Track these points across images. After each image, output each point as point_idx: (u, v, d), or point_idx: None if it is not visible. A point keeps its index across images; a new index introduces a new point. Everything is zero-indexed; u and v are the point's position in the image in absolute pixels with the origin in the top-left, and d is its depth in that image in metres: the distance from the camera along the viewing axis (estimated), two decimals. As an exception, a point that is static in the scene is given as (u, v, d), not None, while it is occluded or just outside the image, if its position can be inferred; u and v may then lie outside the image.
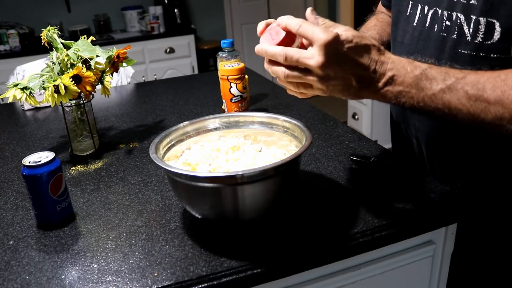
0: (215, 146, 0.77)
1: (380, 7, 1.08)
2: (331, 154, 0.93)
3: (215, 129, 0.82)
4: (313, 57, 0.56)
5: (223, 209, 0.66)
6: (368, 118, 3.06)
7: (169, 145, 0.77)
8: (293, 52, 0.58)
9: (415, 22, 0.80)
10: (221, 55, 1.21)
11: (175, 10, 3.60)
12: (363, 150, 0.94)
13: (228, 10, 4.11)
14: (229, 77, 1.11)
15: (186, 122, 0.80)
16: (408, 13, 0.82)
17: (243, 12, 4.16)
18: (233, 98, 1.13)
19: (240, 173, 0.62)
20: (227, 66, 1.12)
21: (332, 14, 4.30)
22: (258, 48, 0.62)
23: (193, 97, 1.41)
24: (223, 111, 1.18)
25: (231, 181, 0.63)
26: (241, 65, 1.12)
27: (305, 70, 0.58)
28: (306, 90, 0.62)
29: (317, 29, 0.56)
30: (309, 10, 0.65)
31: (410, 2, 0.81)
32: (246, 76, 1.14)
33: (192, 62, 3.61)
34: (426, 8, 0.77)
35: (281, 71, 0.60)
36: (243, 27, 4.19)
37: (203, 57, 3.79)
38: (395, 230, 0.70)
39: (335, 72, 0.57)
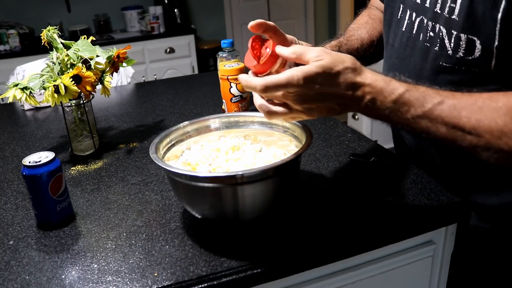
0: (215, 146, 0.77)
1: (374, 0, 1.05)
2: (331, 154, 0.93)
3: (215, 129, 0.82)
4: (290, 100, 0.60)
5: (223, 209, 0.66)
6: (368, 118, 3.06)
7: (169, 145, 0.77)
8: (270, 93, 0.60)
9: (404, 27, 0.80)
10: (221, 55, 1.21)
11: (175, 10, 3.60)
12: (363, 150, 0.94)
13: (228, 10, 4.11)
14: (229, 77, 1.11)
15: (186, 122, 0.80)
16: (399, 17, 0.81)
17: (243, 12, 4.16)
18: (233, 98, 1.13)
19: (240, 173, 0.62)
20: (227, 66, 1.12)
21: (332, 14, 4.30)
22: (242, 79, 0.62)
23: (193, 97, 1.41)
24: (223, 111, 1.18)
25: (231, 181, 0.63)
26: (241, 65, 1.12)
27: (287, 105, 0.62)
28: (295, 118, 0.65)
29: (283, 76, 0.57)
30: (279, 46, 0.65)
31: (401, 6, 0.80)
32: (246, 76, 1.14)
33: (192, 62, 3.61)
34: (414, 15, 0.76)
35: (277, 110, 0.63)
36: (243, 27, 4.19)
37: (203, 57, 3.79)
38: (395, 230, 0.70)
39: (316, 106, 0.60)
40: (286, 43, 0.66)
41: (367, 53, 0.95)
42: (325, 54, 0.59)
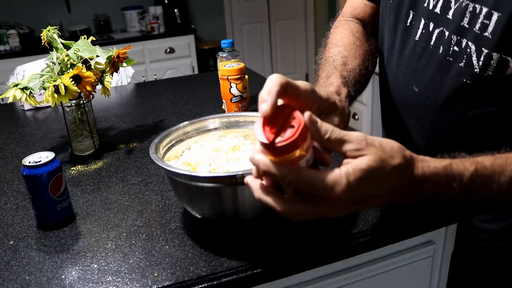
0: (215, 146, 0.77)
1: (351, 8, 0.91)
2: (331, 154, 0.93)
3: (215, 129, 0.82)
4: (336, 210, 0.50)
5: (223, 209, 0.66)
6: (368, 118, 3.06)
7: (169, 145, 0.77)
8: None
9: (417, 36, 0.74)
10: (221, 55, 1.21)
11: (175, 10, 3.61)
12: (363, 150, 0.94)
13: (228, 10, 4.11)
14: (229, 77, 1.11)
15: (186, 122, 0.80)
16: (408, 24, 0.76)
17: (243, 12, 4.16)
18: (233, 98, 1.13)
19: (240, 173, 0.62)
20: (227, 66, 1.12)
21: (332, 14, 4.30)
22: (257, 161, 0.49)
23: (193, 97, 1.41)
24: (223, 111, 1.18)
25: (231, 181, 0.63)
26: (241, 65, 1.12)
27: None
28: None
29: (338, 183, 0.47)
30: (307, 116, 0.48)
31: (411, 12, 0.75)
32: (246, 76, 1.14)
33: (192, 62, 3.61)
34: (432, 25, 0.71)
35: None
36: (243, 27, 4.19)
37: (203, 57, 3.80)
38: (395, 230, 0.70)
39: (364, 206, 0.52)
40: (301, 98, 0.51)
41: (362, 82, 0.80)
42: (367, 147, 0.49)
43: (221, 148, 0.76)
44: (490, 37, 0.62)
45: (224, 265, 0.62)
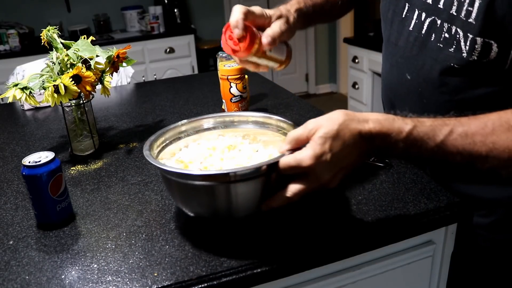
0: (211, 145, 0.77)
1: None
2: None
3: (214, 128, 0.82)
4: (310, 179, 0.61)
5: (215, 208, 0.66)
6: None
7: (165, 143, 0.77)
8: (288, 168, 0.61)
9: (411, 26, 0.79)
10: (221, 55, 1.21)
11: (175, 10, 3.61)
12: (363, 150, 0.94)
13: (228, 10, 4.11)
14: (229, 77, 1.11)
15: (184, 121, 0.80)
16: (403, 16, 0.81)
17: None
18: (233, 98, 1.13)
19: (230, 171, 0.61)
20: (227, 66, 1.12)
21: (332, 14, 4.29)
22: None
23: (193, 97, 1.41)
24: (223, 111, 1.18)
25: (223, 179, 0.62)
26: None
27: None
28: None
29: (299, 156, 0.59)
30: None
31: (407, 5, 0.80)
32: (246, 76, 1.14)
33: (192, 62, 3.61)
34: (424, 15, 0.76)
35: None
36: (243, 27, 4.19)
37: (203, 57, 3.80)
38: (395, 230, 0.70)
39: (338, 171, 0.61)
40: (258, 19, 0.76)
41: (336, 9, 0.97)
42: (318, 124, 0.60)
43: (217, 147, 0.76)
44: (474, 23, 0.67)
45: (224, 265, 0.62)
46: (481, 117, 0.60)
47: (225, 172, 0.63)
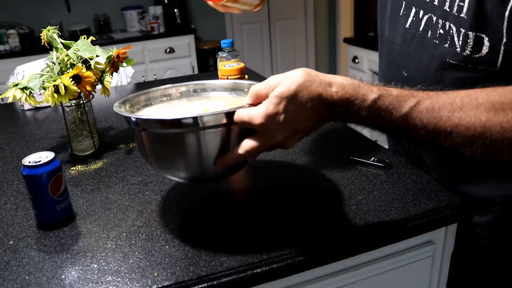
0: (182, 109, 0.78)
1: None
2: (331, 154, 0.93)
3: (185, 95, 0.84)
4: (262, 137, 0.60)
5: (173, 160, 0.65)
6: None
7: (135, 108, 0.77)
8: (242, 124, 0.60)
9: (408, 24, 0.79)
10: (221, 55, 1.21)
11: (175, 10, 3.60)
12: (363, 150, 0.94)
13: (228, 10, 4.11)
14: (229, 77, 1.11)
15: (153, 88, 0.82)
16: (401, 14, 0.81)
17: (243, 12, 4.16)
18: (233, 98, 1.13)
19: (200, 115, 0.60)
20: (227, 66, 1.12)
21: (332, 14, 4.30)
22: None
23: (193, 97, 1.41)
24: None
25: (192, 122, 0.61)
26: (241, 65, 1.12)
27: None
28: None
29: (252, 112, 0.59)
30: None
31: (404, 3, 0.80)
32: (246, 76, 1.14)
33: (192, 62, 3.61)
34: (421, 12, 0.76)
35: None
36: (243, 27, 4.19)
37: (203, 57, 3.79)
38: (395, 230, 0.70)
39: (290, 133, 0.60)
40: None
41: None
42: (276, 82, 0.59)
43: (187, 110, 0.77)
44: (465, 17, 0.67)
45: (224, 265, 0.62)
46: (450, 93, 0.58)
47: (181, 117, 0.61)
